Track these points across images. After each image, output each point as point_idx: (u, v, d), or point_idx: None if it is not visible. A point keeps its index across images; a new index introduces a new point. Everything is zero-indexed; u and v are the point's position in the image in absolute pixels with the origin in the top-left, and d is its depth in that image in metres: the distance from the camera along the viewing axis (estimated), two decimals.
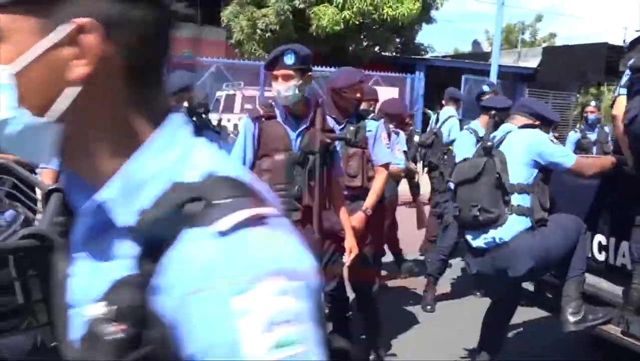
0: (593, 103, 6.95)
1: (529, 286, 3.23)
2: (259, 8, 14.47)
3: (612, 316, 2.79)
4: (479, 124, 4.06)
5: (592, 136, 6.42)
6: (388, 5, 14.05)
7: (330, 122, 3.00)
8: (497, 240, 2.72)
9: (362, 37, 15.40)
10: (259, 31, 14.35)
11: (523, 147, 2.77)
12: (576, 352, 3.85)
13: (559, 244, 2.72)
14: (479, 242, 2.83)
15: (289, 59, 2.54)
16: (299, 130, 2.65)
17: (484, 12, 66.80)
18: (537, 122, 2.89)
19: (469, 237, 2.91)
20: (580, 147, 6.21)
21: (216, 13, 16.91)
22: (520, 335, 4.03)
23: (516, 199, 2.72)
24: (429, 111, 14.74)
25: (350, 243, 2.78)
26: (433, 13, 16.59)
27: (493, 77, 14.06)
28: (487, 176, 2.75)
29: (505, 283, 2.89)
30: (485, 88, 4.06)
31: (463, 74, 15.62)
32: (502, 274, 2.79)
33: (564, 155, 2.83)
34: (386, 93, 14.86)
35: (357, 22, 14.24)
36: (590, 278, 2.92)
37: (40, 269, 1.29)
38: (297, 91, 2.56)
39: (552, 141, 2.86)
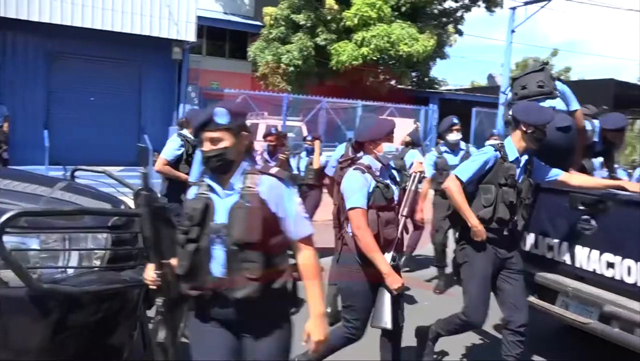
0: (495, 131, 7.52)
1: None
2: (283, 44, 15.59)
3: None
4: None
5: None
6: (404, 43, 15.03)
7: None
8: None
9: (379, 71, 16.36)
10: (282, 65, 15.43)
11: None
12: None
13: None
14: None
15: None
16: None
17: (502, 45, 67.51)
18: None
19: None
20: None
21: (243, 48, 18.14)
22: None
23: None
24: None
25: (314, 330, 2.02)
26: (447, 49, 17.63)
27: (501, 110, 14.89)
28: (547, 72, 3.78)
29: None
30: (455, 120, 5.25)
31: (474, 107, 16.44)
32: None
33: None
34: (401, 124, 15.75)
35: (374, 58, 15.24)
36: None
37: (154, 228, 2.18)
38: None
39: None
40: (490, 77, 25.07)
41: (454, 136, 5.30)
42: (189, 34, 12.87)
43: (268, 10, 15.77)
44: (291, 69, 15.34)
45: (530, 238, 3.92)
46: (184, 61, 13.35)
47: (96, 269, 2.14)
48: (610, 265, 3.35)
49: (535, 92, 3.71)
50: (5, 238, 1.75)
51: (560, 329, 4.48)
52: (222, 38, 18.87)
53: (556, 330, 4.54)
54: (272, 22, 15.69)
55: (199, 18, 13.71)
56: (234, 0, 18.56)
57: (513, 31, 14.49)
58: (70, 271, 2.06)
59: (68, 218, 2.11)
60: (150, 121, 13.11)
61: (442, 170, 5.21)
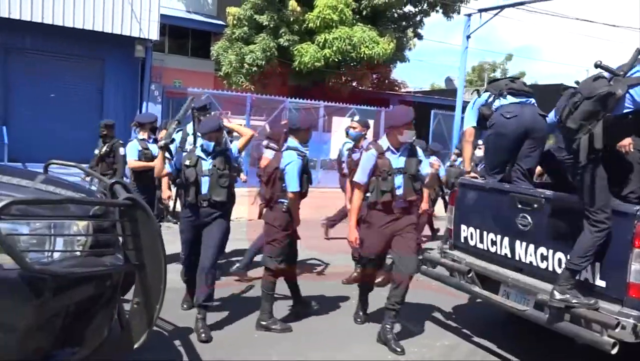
0: (356, 118, 6.52)
1: None
2: (246, 44, 15.73)
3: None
4: None
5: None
6: (365, 46, 15.40)
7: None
8: None
9: (341, 72, 16.69)
10: (246, 65, 15.57)
11: None
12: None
13: None
14: None
15: None
16: None
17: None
18: None
19: None
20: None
21: (206, 47, 18.17)
22: None
23: None
24: None
25: None
26: (407, 53, 18.12)
27: (458, 112, 15.47)
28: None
29: None
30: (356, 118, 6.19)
31: (432, 109, 16.99)
32: None
33: None
34: None
35: (336, 60, 15.56)
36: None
37: (131, 217, 2.40)
38: None
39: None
40: (449, 80, 25.83)
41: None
42: (152, 32, 12.89)
43: (231, 10, 15.88)
44: (254, 69, 15.49)
45: (476, 233, 4.29)
46: (146, 58, 13.36)
47: (78, 254, 2.34)
48: (544, 258, 3.73)
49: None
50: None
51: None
52: (185, 36, 18.85)
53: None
54: (235, 22, 15.80)
55: (162, 16, 13.73)
56: None
57: (468, 37, 15.08)
58: (55, 256, 2.26)
59: (53, 206, 2.30)
60: (112, 118, 13.01)
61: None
